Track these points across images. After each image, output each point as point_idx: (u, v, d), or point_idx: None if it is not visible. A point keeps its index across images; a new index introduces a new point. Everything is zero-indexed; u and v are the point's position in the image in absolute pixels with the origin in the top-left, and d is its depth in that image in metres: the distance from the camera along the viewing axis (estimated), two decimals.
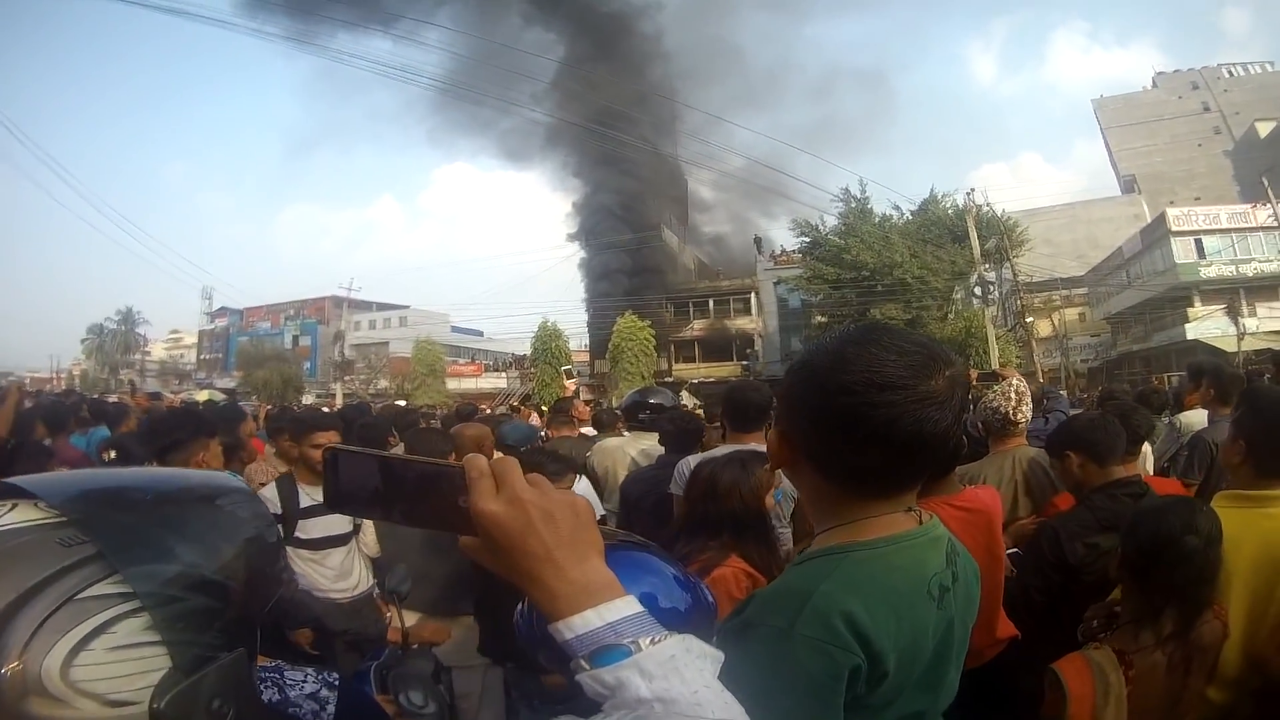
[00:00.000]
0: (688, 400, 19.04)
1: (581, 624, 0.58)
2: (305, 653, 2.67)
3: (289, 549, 3.03)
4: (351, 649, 2.80)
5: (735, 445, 2.96)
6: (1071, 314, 39.08)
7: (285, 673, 1.07)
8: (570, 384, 26.68)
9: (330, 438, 3.12)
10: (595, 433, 5.54)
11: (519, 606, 1.16)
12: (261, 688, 0.99)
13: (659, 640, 0.58)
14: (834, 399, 0.92)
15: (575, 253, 36.11)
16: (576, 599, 0.59)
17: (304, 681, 1.07)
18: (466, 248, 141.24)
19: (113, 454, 3.50)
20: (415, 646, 2.28)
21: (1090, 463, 2.39)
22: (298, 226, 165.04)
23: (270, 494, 3.07)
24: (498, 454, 3.65)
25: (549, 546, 0.60)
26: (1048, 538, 2.32)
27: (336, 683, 1.11)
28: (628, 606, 0.60)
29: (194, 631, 0.56)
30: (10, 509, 0.57)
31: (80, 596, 0.52)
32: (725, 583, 1.88)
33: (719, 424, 3.91)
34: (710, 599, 1.15)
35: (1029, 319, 30.95)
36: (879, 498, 0.98)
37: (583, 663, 0.58)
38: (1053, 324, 36.77)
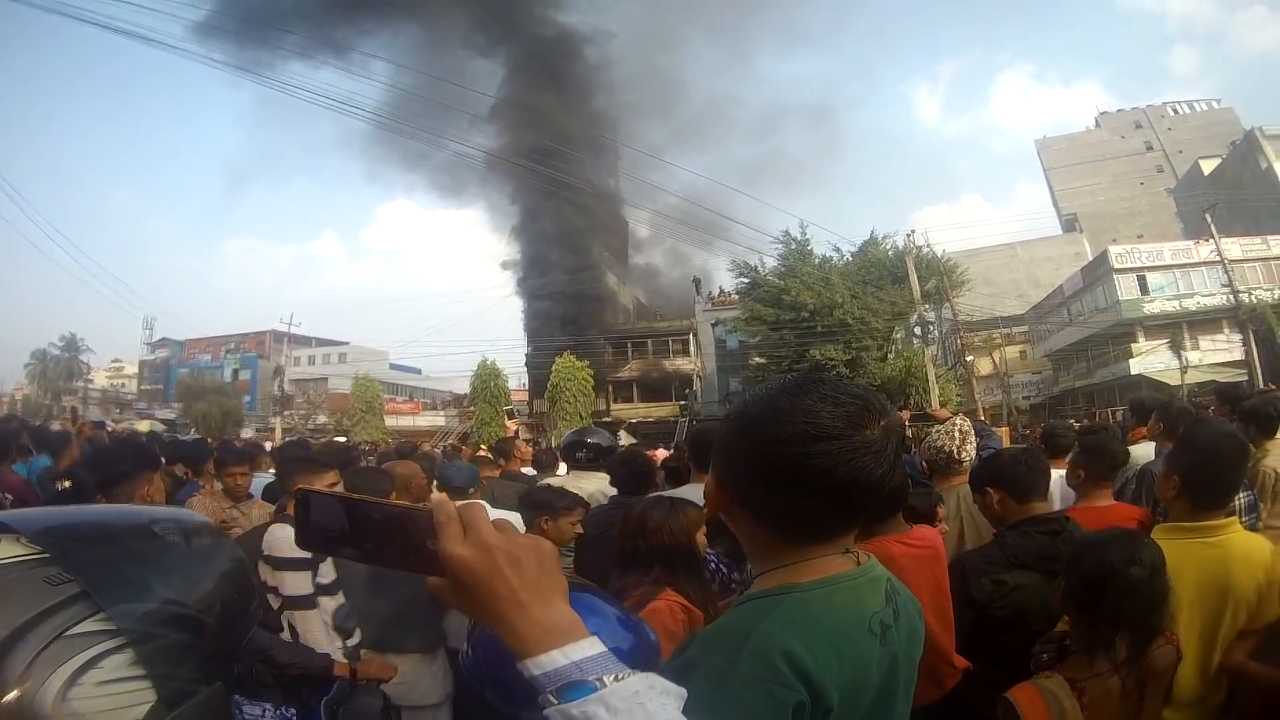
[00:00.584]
0: (625, 440, 19.27)
1: (548, 662, 0.61)
2: (258, 686, 2.65)
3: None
4: (299, 682, 2.75)
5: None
6: (1012, 352, 39.91)
7: (243, 707, 1.17)
8: (511, 424, 26.60)
9: (330, 479, 3.07)
10: (535, 472, 5.61)
11: (464, 647, 1.23)
12: None
13: (623, 677, 0.61)
14: (769, 449, 0.95)
15: (514, 292, 36.22)
16: (542, 639, 0.62)
17: (261, 716, 1.19)
18: (407, 285, 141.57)
19: (67, 484, 3.48)
20: (364, 682, 2.40)
21: (1009, 498, 2.37)
22: (240, 259, 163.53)
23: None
24: (437, 495, 3.76)
25: (515, 589, 0.62)
26: (956, 574, 2.33)
27: (294, 717, 1.23)
28: (591, 647, 0.63)
29: (174, 666, 0.59)
30: None
31: (69, 633, 0.55)
32: (660, 615, 1.97)
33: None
34: (653, 638, 1.22)
35: (969, 357, 31.65)
36: (816, 542, 1.01)
37: (550, 698, 0.60)
38: (994, 362, 37.51)
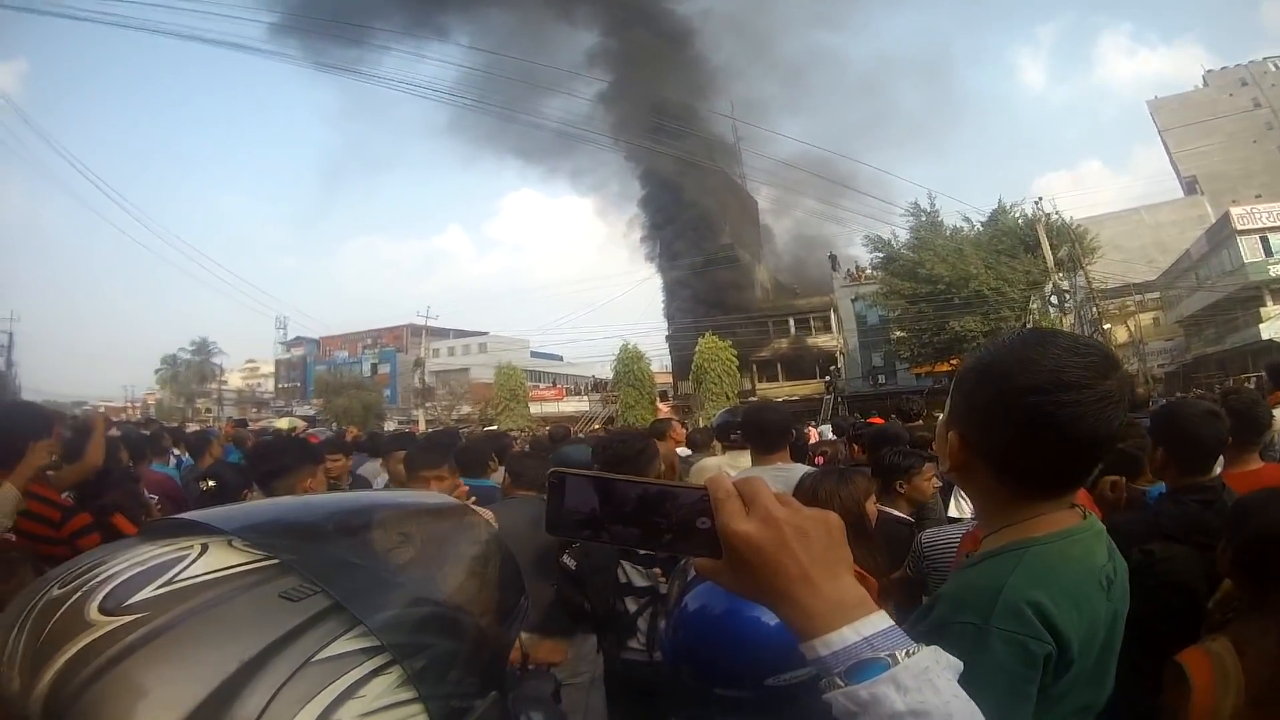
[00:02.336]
0: None
1: (838, 640, 0.58)
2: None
3: None
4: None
5: (765, 466, 3.06)
6: (1146, 319, 38.58)
7: None
8: (664, 406, 26.73)
9: (442, 474, 3.13)
10: (690, 452, 5.62)
11: (660, 624, 1.21)
12: None
13: (913, 652, 0.57)
14: (1022, 399, 0.94)
15: (650, 276, 36.56)
16: (832, 616, 0.58)
17: None
18: (537, 274, 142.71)
19: (211, 484, 3.45)
20: (533, 666, 2.29)
21: (1175, 463, 2.29)
22: (363, 257, 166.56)
23: None
24: (711, 473, 3.78)
25: (804, 565, 0.59)
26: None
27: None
28: (881, 621, 0.59)
29: (449, 681, 0.50)
30: (200, 552, 0.48)
31: (318, 658, 0.44)
32: None
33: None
34: None
35: (1106, 326, 30.79)
36: (1049, 497, 1.01)
37: (837, 680, 0.57)
38: (1128, 330, 36.34)
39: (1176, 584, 2.12)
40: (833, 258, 35.80)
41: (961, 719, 0.55)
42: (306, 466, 2.63)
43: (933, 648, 0.59)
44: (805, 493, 2.30)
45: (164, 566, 0.47)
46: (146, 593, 0.45)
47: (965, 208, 41.25)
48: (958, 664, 0.60)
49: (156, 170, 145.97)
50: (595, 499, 0.62)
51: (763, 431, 3.23)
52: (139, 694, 0.41)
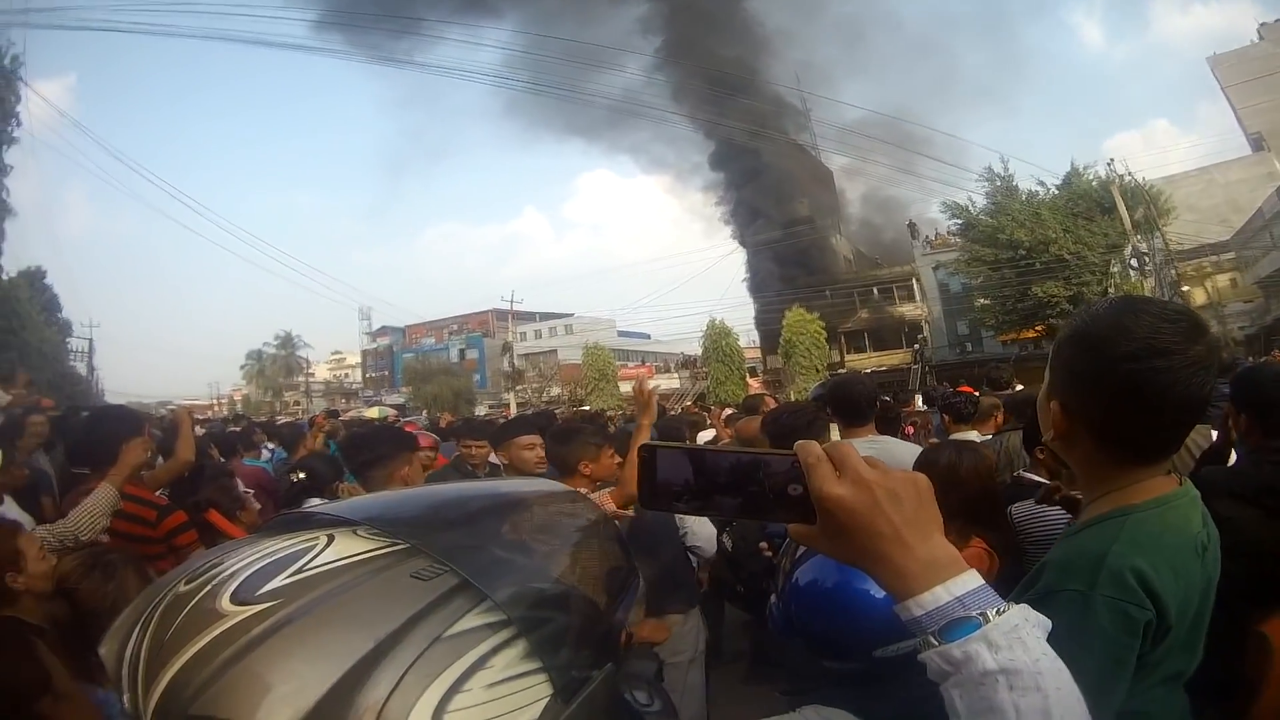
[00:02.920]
0: None
1: (932, 600, 0.59)
2: None
3: None
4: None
5: (858, 440, 2.94)
6: (1223, 280, 38.15)
7: None
8: (754, 382, 27.05)
9: (532, 442, 3.25)
10: None
11: (770, 600, 1.22)
12: None
13: (1003, 611, 0.59)
14: (1119, 366, 0.96)
15: (732, 251, 36.50)
16: (925, 576, 0.60)
17: None
18: (617, 254, 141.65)
19: (302, 475, 3.49)
20: (637, 645, 2.44)
21: (1257, 426, 2.21)
22: (442, 245, 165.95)
23: None
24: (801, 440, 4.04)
25: (896, 526, 0.60)
26: None
27: None
28: (973, 580, 0.60)
29: (570, 652, 0.51)
30: (328, 542, 0.50)
31: (448, 634, 0.46)
32: (973, 563, 2.18)
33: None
34: None
35: (1185, 288, 30.64)
36: (1147, 463, 1.03)
37: (931, 639, 0.59)
38: (1206, 292, 36.03)
39: (1242, 547, 2.10)
40: (912, 225, 35.39)
41: (1050, 676, 0.56)
42: (401, 455, 2.65)
43: (1022, 605, 0.61)
44: (944, 472, 2.20)
45: (293, 557, 0.49)
46: (278, 582, 0.47)
47: (1038, 171, 40.72)
48: (1046, 622, 0.61)
49: (228, 174, 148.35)
50: (689, 470, 0.63)
51: (852, 403, 3.17)
52: (277, 677, 0.42)
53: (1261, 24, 57.94)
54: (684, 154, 41.37)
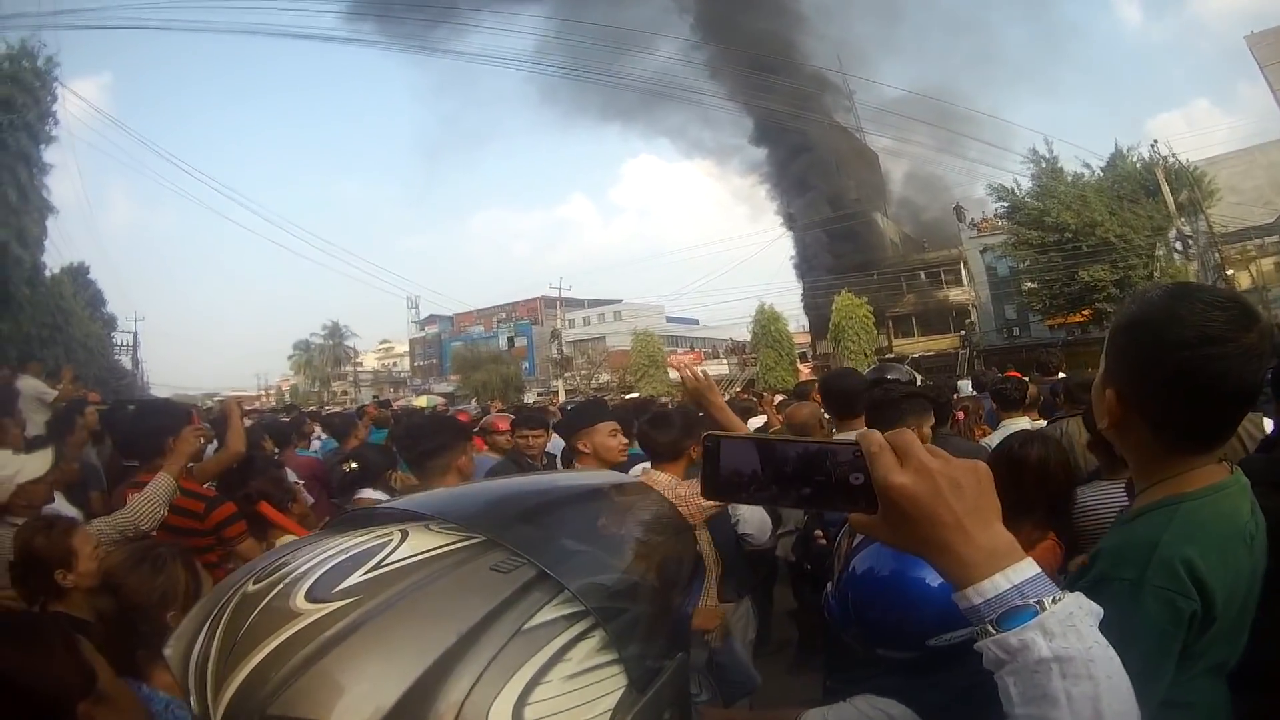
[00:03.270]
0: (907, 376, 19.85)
1: (991, 588, 0.59)
2: None
3: None
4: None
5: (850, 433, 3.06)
6: (1268, 264, 38.00)
7: None
8: (805, 368, 26.66)
9: (614, 429, 3.19)
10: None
11: (827, 587, 1.23)
12: None
13: (1059, 599, 0.59)
14: (1173, 354, 0.96)
15: (780, 236, 36.13)
16: (985, 564, 0.60)
17: None
18: (665, 239, 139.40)
19: (354, 465, 3.48)
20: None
21: None
22: (490, 231, 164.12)
23: None
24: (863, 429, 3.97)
25: (958, 514, 0.60)
26: None
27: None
28: (1030, 568, 0.61)
29: (645, 642, 0.51)
30: (402, 538, 0.50)
31: (528, 627, 0.46)
32: (1047, 556, 1.97)
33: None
34: None
35: (1229, 271, 30.57)
36: (1199, 451, 1.03)
37: (989, 627, 0.59)
38: (1251, 275, 35.90)
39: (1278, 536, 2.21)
40: (959, 208, 34.95)
41: (1101, 664, 0.57)
42: (459, 444, 2.63)
43: (1076, 594, 0.62)
44: (1028, 465, 2.19)
45: (368, 554, 0.48)
46: (355, 579, 0.46)
47: (1083, 152, 40.22)
48: (1099, 610, 0.62)
49: (269, 166, 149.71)
50: (755, 460, 0.64)
51: (845, 396, 3.28)
52: (357, 675, 0.41)
53: None
54: (725, 136, 41.36)
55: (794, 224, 34.92)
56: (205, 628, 0.47)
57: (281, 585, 0.47)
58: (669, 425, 2.85)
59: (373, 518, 0.55)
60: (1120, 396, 1.04)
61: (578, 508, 0.61)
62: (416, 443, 2.65)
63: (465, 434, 2.85)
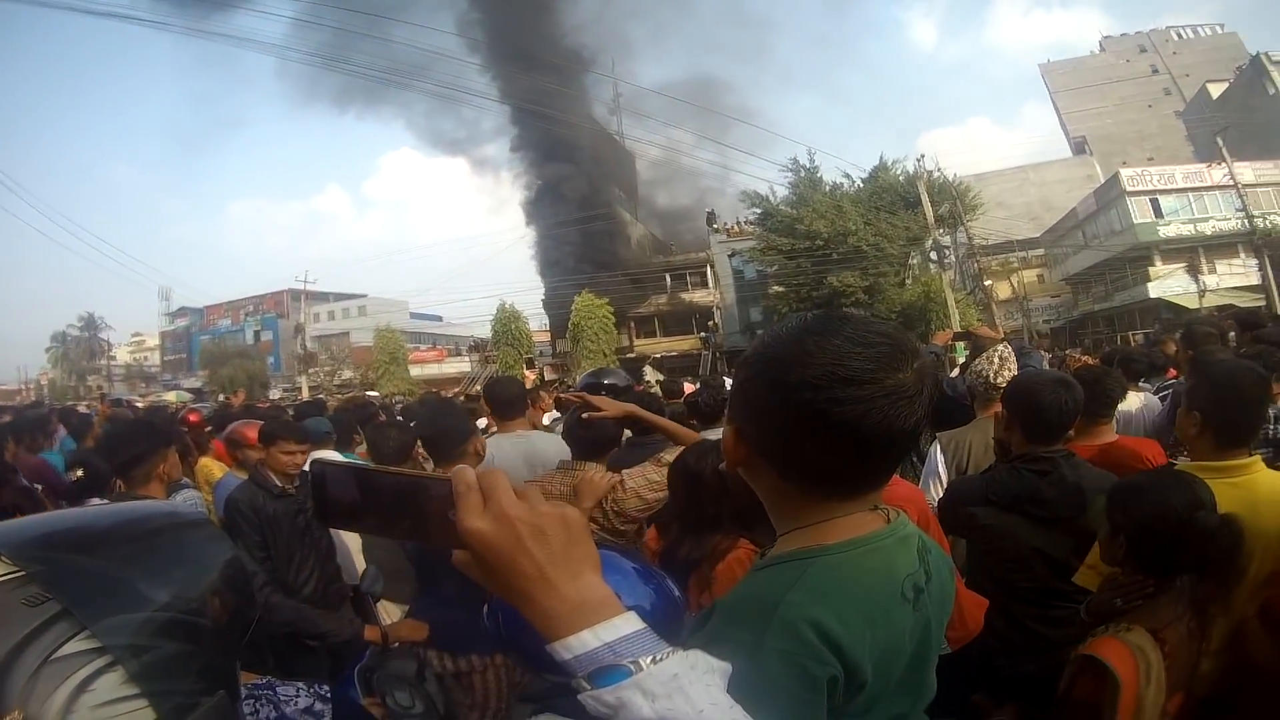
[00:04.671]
0: (652, 376, 19.22)
1: (579, 645, 0.57)
2: (289, 663, 2.51)
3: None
4: (330, 653, 2.67)
5: (506, 435, 3.25)
6: (1030, 276, 39.74)
7: (278, 689, 1.11)
8: (530, 374, 26.50)
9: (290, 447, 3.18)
10: (559, 415, 5.22)
11: (485, 606, 1.15)
12: (257, 706, 1.08)
13: (660, 659, 0.57)
14: (795, 394, 0.86)
15: (527, 234, 35.92)
16: (572, 618, 0.57)
17: (297, 696, 1.12)
18: (417, 234, 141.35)
19: (79, 472, 3.38)
20: (396, 645, 2.22)
21: (1018, 429, 2.22)
22: (247, 221, 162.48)
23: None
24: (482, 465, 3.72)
25: (540, 565, 0.58)
26: (943, 500, 2.41)
27: (328, 695, 1.16)
28: (626, 624, 0.58)
29: (173, 679, 0.54)
30: None
31: (55, 657, 0.50)
32: (743, 565, 1.86)
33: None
34: (676, 593, 1.16)
35: (988, 281, 31.56)
36: (843, 497, 0.93)
37: (583, 682, 0.57)
38: (1012, 286, 37.36)
39: (996, 552, 2.14)
40: (710, 213, 35.62)
41: None
42: (158, 450, 2.59)
43: (689, 653, 0.59)
44: (679, 470, 2.05)
45: None
46: None
47: (847, 165, 41.65)
48: (725, 667, 0.59)
49: (24, 147, 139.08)
50: (355, 490, 0.61)
51: (505, 400, 3.49)
52: None
53: (1105, 36, 61.18)
54: (484, 134, 41.58)
55: (538, 222, 34.79)
56: None
57: None
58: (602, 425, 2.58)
59: None
60: (740, 435, 0.94)
61: (132, 543, 0.63)
62: (116, 454, 2.62)
63: (163, 438, 2.73)
